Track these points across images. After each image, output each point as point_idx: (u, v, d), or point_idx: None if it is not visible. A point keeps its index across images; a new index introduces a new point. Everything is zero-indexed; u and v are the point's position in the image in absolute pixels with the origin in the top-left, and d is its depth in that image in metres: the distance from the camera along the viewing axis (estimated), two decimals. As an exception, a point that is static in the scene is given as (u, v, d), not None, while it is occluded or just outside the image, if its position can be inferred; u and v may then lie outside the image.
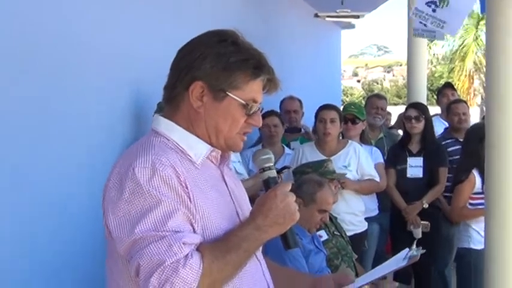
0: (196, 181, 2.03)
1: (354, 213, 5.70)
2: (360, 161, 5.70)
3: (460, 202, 5.65)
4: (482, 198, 5.44)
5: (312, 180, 4.55)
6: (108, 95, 4.17)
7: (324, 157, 5.53)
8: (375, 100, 7.34)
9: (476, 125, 6.15)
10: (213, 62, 2.06)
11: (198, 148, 2.10)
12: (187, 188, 1.97)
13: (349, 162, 5.67)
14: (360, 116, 6.10)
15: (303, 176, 4.83)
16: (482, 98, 23.25)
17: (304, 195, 4.40)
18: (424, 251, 2.14)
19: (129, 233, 1.90)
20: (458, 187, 5.66)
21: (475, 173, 5.51)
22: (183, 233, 1.89)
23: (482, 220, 5.33)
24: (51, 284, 3.50)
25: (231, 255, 1.92)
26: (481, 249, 5.34)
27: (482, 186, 5.42)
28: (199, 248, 1.91)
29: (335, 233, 4.93)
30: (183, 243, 1.87)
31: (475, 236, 5.55)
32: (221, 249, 1.92)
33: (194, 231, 1.95)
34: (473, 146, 5.65)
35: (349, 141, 5.81)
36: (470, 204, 5.62)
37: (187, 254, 1.86)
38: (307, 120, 7.36)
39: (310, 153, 5.66)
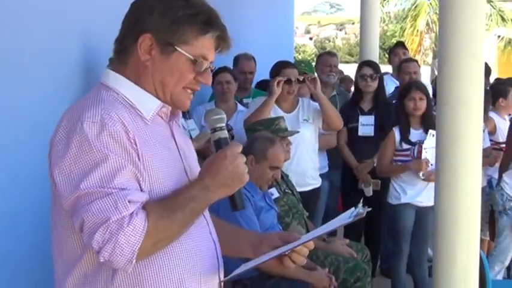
0: (145, 138, 2.00)
1: (316, 167, 5.83)
2: (319, 113, 5.74)
3: (382, 159, 5.84)
4: (401, 155, 5.58)
5: (263, 137, 4.56)
6: (57, 48, 4.06)
7: (283, 113, 5.55)
8: (327, 58, 7.27)
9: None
10: (162, 15, 2.03)
11: (148, 103, 2.07)
12: (136, 145, 1.94)
13: (308, 115, 5.72)
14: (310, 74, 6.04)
15: (254, 133, 4.83)
16: (434, 57, 23.42)
17: (255, 152, 4.41)
18: (370, 209, 2.14)
19: (75, 188, 1.87)
20: (381, 145, 5.87)
21: (395, 130, 5.64)
22: (129, 191, 1.87)
23: (399, 177, 5.63)
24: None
25: (176, 214, 1.91)
26: (396, 204, 5.62)
27: (400, 143, 5.58)
28: (145, 206, 1.90)
29: (286, 190, 4.96)
30: (129, 201, 1.85)
31: (392, 191, 5.71)
32: (167, 208, 1.91)
33: (141, 189, 1.93)
34: (397, 103, 5.82)
35: (299, 98, 5.83)
36: (394, 161, 5.73)
37: (132, 212, 1.85)
38: (259, 76, 7.30)
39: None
